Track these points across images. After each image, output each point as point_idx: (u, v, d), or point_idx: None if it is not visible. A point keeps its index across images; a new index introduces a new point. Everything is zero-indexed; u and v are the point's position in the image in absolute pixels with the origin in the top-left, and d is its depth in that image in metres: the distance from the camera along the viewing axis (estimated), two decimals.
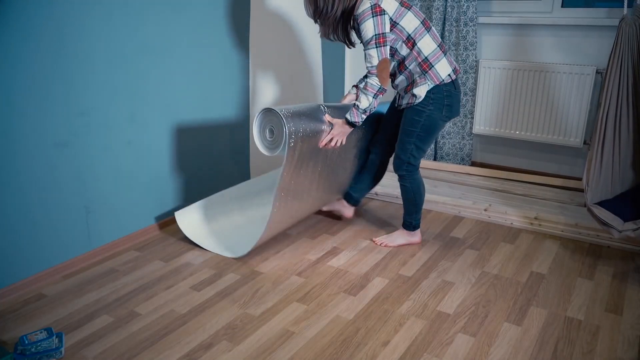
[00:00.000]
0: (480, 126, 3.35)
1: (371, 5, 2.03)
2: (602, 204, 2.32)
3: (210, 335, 1.82)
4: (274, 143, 2.14)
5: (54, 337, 1.71)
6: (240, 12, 2.81)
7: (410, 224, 2.43)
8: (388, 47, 2.07)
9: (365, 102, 2.13)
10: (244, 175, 3.07)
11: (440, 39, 2.17)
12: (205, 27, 2.61)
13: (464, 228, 2.68)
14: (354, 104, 2.17)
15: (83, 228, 2.25)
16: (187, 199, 2.72)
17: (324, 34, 2.23)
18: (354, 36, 2.28)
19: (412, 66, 2.13)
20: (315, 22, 2.21)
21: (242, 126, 2.99)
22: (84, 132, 2.17)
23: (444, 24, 3.28)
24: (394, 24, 2.07)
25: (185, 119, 2.62)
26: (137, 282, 2.16)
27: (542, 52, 3.16)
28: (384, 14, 2.03)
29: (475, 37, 3.21)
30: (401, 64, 2.16)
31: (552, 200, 2.86)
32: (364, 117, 2.18)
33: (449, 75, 2.15)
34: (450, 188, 3.05)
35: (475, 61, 3.27)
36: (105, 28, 2.15)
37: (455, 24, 3.24)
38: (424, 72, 2.11)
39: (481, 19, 3.23)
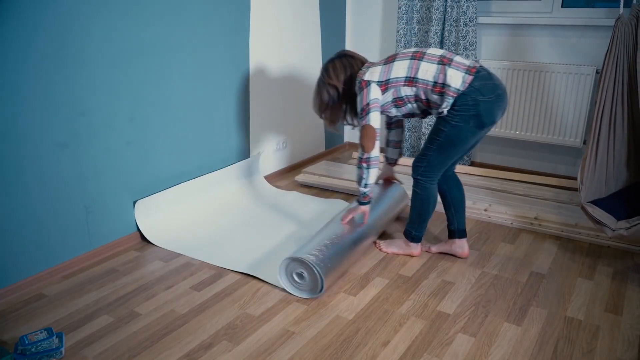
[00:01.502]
0: None
1: (358, 83, 2.15)
2: (596, 202, 2.32)
3: (210, 335, 1.82)
4: (304, 285, 2.06)
5: (54, 337, 1.71)
6: (240, 10, 2.81)
7: (410, 234, 2.35)
8: (376, 113, 2.12)
9: (357, 174, 2.20)
10: None
11: (439, 55, 2.11)
12: (204, 27, 2.62)
13: None
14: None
15: (83, 228, 2.25)
16: None
17: (333, 123, 2.32)
18: None
19: (429, 96, 2.10)
20: (321, 116, 2.32)
21: (242, 124, 2.99)
22: (84, 133, 2.17)
23: (443, 24, 3.28)
24: (385, 83, 2.12)
25: (185, 119, 2.62)
26: (137, 282, 2.16)
27: (542, 52, 3.16)
28: (369, 85, 2.11)
29: (475, 37, 3.20)
30: (423, 101, 2.14)
31: (552, 201, 2.86)
32: (365, 190, 2.19)
33: (463, 80, 2.05)
34: None
35: (475, 61, 3.26)
36: (106, 29, 2.15)
37: (454, 24, 3.24)
38: (441, 94, 2.07)
39: (481, 19, 3.23)
